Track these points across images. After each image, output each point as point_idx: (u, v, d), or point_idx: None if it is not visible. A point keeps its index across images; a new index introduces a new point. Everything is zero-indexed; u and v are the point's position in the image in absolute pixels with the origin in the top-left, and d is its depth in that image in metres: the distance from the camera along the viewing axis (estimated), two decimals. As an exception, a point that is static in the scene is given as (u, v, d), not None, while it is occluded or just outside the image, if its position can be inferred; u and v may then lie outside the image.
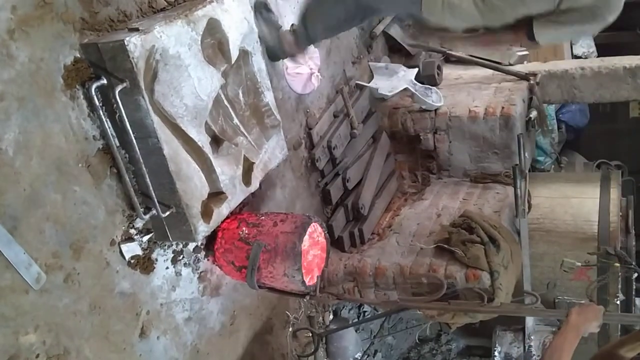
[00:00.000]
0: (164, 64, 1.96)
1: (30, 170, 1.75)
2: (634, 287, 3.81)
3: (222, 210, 2.26)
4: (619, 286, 3.71)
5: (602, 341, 3.36)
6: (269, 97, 2.56)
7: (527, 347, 3.47)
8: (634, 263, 3.59)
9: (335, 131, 3.41)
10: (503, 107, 3.73)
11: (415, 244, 3.34)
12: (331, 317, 3.59)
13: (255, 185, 2.45)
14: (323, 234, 2.47)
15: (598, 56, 5.48)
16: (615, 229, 3.81)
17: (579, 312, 2.05)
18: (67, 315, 1.87)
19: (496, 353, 3.64)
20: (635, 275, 3.71)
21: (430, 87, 3.94)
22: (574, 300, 3.44)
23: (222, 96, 2.35)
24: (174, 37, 1.99)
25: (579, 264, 3.51)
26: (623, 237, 3.90)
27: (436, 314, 2.96)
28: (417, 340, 4.43)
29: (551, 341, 2.07)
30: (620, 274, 3.64)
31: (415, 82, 3.94)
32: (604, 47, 5.67)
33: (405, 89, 3.89)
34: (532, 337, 3.47)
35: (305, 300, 2.59)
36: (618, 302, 3.71)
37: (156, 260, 2.22)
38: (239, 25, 2.31)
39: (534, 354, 3.41)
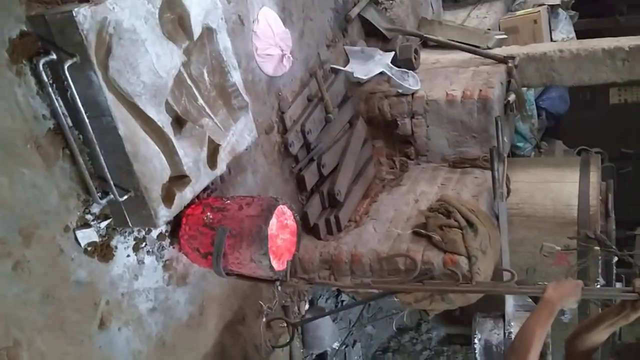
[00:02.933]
0: (118, 38, 1.85)
1: (-28, 151, 1.63)
2: (614, 271, 3.77)
3: (186, 194, 2.15)
4: (599, 270, 3.67)
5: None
6: (235, 76, 2.45)
7: (507, 334, 3.40)
8: (614, 247, 3.55)
9: (309, 115, 3.31)
10: (481, 90, 3.66)
11: (392, 230, 3.26)
12: (307, 306, 3.50)
13: (221, 168, 2.34)
14: (292, 216, 2.38)
15: (577, 41, 5.43)
16: (595, 213, 3.77)
17: (555, 287, 1.97)
18: (16, 305, 1.76)
19: (476, 340, 3.57)
20: (615, 259, 3.67)
21: (407, 70, 3.86)
22: (554, 285, 3.38)
23: (185, 75, 2.24)
24: (128, 10, 1.87)
25: (559, 248, 3.45)
26: (603, 221, 3.86)
27: (413, 300, 2.89)
28: (395, 329, 4.36)
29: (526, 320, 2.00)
30: (600, 258, 3.61)
31: (392, 65, 3.85)
32: (584, 33, 5.63)
33: (382, 73, 3.81)
34: (512, 324, 3.41)
35: (277, 288, 2.49)
36: (598, 287, 3.67)
37: (116, 247, 2.11)
38: (200, 0, 2.20)
39: (514, 341, 3.35)
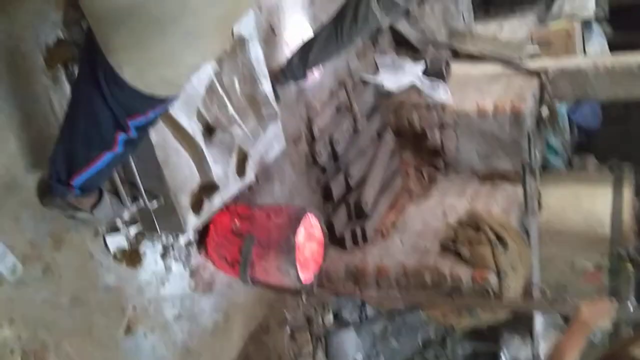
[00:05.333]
0: (152, 46, 1.86)
1: (6, 153, 1.65)
2: (648, 290, 3.67)
3: (214, 202, 2.15)
4: (631, 289, 3.57)
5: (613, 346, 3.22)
6: (266, 86, 2.45)
7: (535, 354, 3.33)
8: (648, 266, 3.46)
9: (337, 126, 3.30)
10: (513, 103, 3.60)
11: (420, 243, 3.22)
12: (331, 318, 3.47)
13: (250, 176, 2.34)
14: (320, 227, 2.36)
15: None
16: (628, 231, 3.67)
17: (589, 307, 1.92)
18: (45, 308, 1.77)
19: (503, 357, 3.50)
20: (649, 278, 3.58)
21: (437, 81, 3.82)
22: (585, 303, 3.30)
23: (217, 84, 2.25)
24: (163, 18, 1.89)
25: (591, 265, 3.37)
26: (636, 239, 3.76)
27: (440, 315, 2.84)
28: (419, 344, 4.29)
29: (558, 339, 1.95)
30: (633, 276, 3.52)
31: (423, 76, 3.82)
32: (618, 46, 5.52)
33: (412, 84, 3.78)
34: (540, 341, 3.34)
35: (303, 298, 2.47)
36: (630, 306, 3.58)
37: (144, 253, 2.12)
38: (234, 9, 2.21)
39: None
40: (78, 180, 1.53)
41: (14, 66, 1.65)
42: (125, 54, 1.18)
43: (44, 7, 1.73)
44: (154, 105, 1.33)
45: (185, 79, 1.33)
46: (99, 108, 1.32)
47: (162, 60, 1.20)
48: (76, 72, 1.75)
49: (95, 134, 1.40)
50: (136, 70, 1.21)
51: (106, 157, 1.46)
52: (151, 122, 1.42)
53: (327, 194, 3.34)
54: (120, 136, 1.39)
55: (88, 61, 1.28)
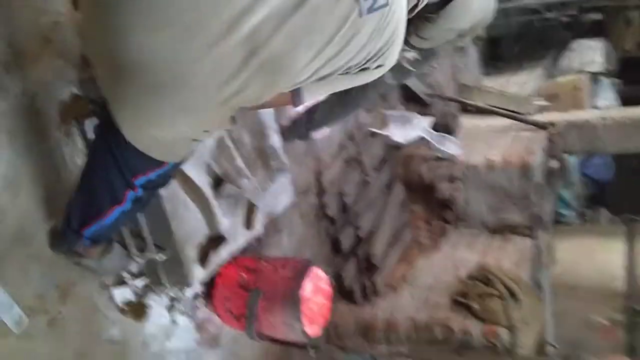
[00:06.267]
0: (163, 101, 1.91)
1: (18, 207, 1.68)
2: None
3: (221, 255, 2.16)
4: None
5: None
6: (275, 139, 2.49)
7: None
8: (665, 322, 3.38)
9: (346, 178, 3.32)
10: (521, 157, 3.62)
11: (430, 297, 3.18)
12: (340, 374, 3.40)
13: (257, 229, 2.35)
14: (327, 281, 2.34)
15: (620, 108, 5.33)
16: (643, 285, 3.61)
17: None
18: (49, 362, 1.76)
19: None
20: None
21: (446, 135, 3.86)
22: (601, 361, 3.22)
23: (227, 137, 2.29)
24: (174, 74, 1.94)
25: (606, 320, 3.30)
26: (652, 294, 3.68)
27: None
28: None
29: None
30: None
31: (431, 130, 3.86)
32: (629, 100, 5.54)
33: (421, 137, 3.81)
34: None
35: (310, 354, 2.43)
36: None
37: (150, 306, 2.11)
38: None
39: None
40: (88, 230, 1.57)
41: (28, 121, 1.70)
42: (125, 110, 1.24)
43: (60, 65, 1.79)
44: (152, 165, 1.37)
45: (179, 145, 1.37)
46: (110, 164, 1.38)
47: (153, 121, 1.24)
48: (89, 127, 1.80)
49: (106, 189, 1.45)
50: (133, 127, 1.26)
51: (115, 212, 1.50)
52: (155, 183, 1.45)
53: (336, 246, 3.33)
54: (129, 194, 1.44)
55: (103, 120, 1.35)
